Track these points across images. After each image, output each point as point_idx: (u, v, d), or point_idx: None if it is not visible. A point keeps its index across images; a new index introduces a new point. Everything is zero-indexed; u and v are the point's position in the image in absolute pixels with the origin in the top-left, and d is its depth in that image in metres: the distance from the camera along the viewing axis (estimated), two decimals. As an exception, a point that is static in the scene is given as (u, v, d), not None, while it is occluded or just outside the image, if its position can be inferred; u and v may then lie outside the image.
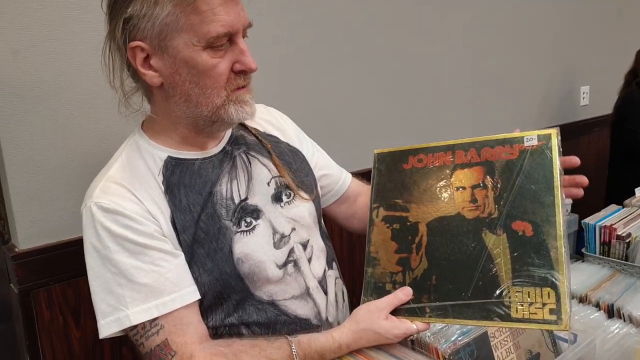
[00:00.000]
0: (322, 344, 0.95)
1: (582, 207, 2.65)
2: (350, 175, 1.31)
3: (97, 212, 0.91)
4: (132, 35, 0.90)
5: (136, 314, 0.90)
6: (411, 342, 0.97)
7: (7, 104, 1.21)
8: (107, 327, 0.91)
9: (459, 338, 0.93)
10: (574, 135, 3.04)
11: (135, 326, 0.91)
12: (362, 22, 1.90)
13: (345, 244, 1.96)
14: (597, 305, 1.29)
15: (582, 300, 1.30)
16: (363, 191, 1.29)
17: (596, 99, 3.16)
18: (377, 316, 0.95)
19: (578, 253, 1.66)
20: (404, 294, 0.96)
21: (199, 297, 0.95)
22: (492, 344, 0.96)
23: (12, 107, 1.22)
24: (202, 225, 0.96)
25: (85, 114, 1.31)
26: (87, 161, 1.33)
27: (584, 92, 3.11)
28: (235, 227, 0.99)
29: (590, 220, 1.56)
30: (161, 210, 0.95)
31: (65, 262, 1.31)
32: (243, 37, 0.94)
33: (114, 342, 1.41)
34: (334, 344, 0.95)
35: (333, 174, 1.26)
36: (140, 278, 0.90)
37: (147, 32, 0.89)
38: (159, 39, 0.89)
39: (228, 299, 0.98)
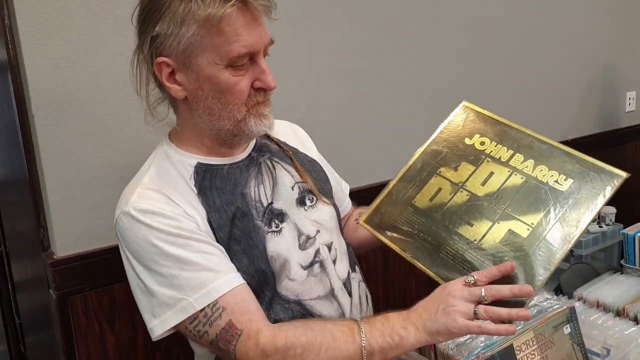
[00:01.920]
0: (386, 312, 0.94)
1: (628, 217, 2.57)
2: (349, 201, 1.36)
3: (138, 214, 0.94)
4: (158, 51, 0.94)
5: (198, 299, 0.92)
6: (434, 354, 0.96)
7: (47, 116, 1.27)
8: (175, 316, 0.92)
9: (483, 351, 0.92)
10: (618, 142, 2.94)
11: (196, 316, 0.92)
12: (381, 32, 1.89)
13: (379, 253, 1.95)
14: (635, 319, 1.25)
15: (619, 313, 1.26)
16: (355, 210, 1.35)
17: (643, 105, 3.05)
18: (452, 288, 0.90)
19: (620, 265, 1.61)
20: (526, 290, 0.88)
21: (244, 281, 0.97)
22: (518, 357, 0.94)
23: (51, 119, 1.27)
24: (237, 223, 1.00)
25: (121, 125, 1.36)
26: (123, 172, 1.37)
27: (630, 98, 3.01)
28: (266, 227, 1.02)
29: (629, 230, 1.51)
30: (197, 211, 0.98)
31: (102, 269, 1.35)
32: (265, 55, 0.98)
33: (148, 349, 1.44)
34: (397, 311, 0.93)
35: (340, 196, 1.31)
36: (194, 266, 0.93)
37: (172, 50, 0.93)
38: (183, 56, 0.93)
39: (262, 296, 1.01)
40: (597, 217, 2.54)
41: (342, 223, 1.25)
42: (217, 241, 0.98)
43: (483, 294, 0.86)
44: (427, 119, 2.03)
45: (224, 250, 0.98)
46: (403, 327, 0.90)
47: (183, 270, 0.93)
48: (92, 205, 1.34)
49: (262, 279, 1.00)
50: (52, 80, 1.26)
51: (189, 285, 0.92)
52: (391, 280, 2.00)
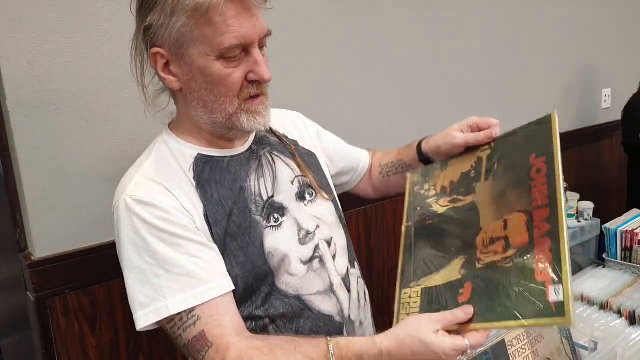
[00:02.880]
0: (362, 346, 0.89)
1: (604, 212, 2.61)
2: (365, 152, 1.37)
3: (133, 204, 0.92)
4: (152, 42, 0.93)
5: (174, 304, 0.90)
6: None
7: (22, 111, 1.23)
8: (146, 318, 0.91)
9: (476, 346, 0.91)
10: (595, 138, 2.99)
11: (172, 318, 0.91)
12: (379, 26, 1.89)
13: (363, 250, 1.95)
14: (619, 312, 1.26)
15: (603, 307, 1.27)
16: (374, 160, 1.37)
17: (618, 101, 3.10)
18: (427, 327, 0.87)
19: (599, 259, 1.62)
20: (465, 312, 0.88)
21: (233, 287, 0.96)
22: (509, 352, 0.93)
23: (27, 115, 1.23)
24: (234, 219, 0.98)
25: (101, 121, 1.32)
26: (103, 169, 1.34)
27: (605, 95, 3.06)
28: (265, 222, 1.01)
29: (611, 225, 1.53)
30: (194, 205, 0.96)
31: (82, 270, 1.32)
32: (262, 46, 0.95)
33: (131, 351, 1.41)
34: (374, 348, 0.88)
35: (353, 159, 1.33)
36: (177, 268, 0.91)
37: (165, 40, 0.92)
38: (176, 47, 0.92)
39: (258, 292, 0.99)
40: (575, 212, 2.57)
41: (366, 175, 1.33)
42: (213, 236, 0.96)
43: (467, 343, 0.86)
44: (415, 118, 2.05)
45: (217, 250, 0.96)
46: None
47: (166, 271, 0.91)
48: (71, 205, 1.31)
49: (259, 275, 0.98)
50: (28, 75, 1.22)
51: (169, 287, 0.90)
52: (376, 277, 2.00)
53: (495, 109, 2.39)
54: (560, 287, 0.82)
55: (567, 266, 0.83)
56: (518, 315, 0.83)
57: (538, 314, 0.81)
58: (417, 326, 0.87)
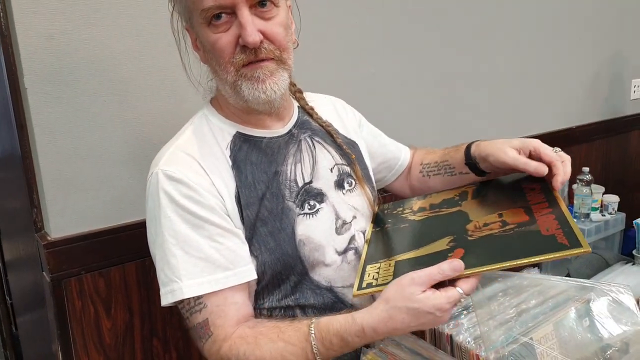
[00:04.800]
0: (341, 324, 0.83)
1: (629, 206, 2.54)
2: (406, 149, 1.33)
3: (163, 179, 0.92)
4: (183, 19, 0.98)
5: (190, 287, 0.90)
6: (450, 347, 0.91)
7: (40, 89, 1.20)
8: (165, 297, 0.92)
9: (503, 345, 0.88)
10: (623, 129, 2.91)
11: (182, 301, 0.91)
12: (403, 13, 1.83)
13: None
14: (650, 312, 1.21)
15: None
16: (415, 157, 1.32)
17: (648, 92, 3.02)
18: (410, 291, 0.78)
19: (627, 255, 1.57)
20: (452, 266, 0.79)
21: (254, 277, 0.94)
22: (537, 351, 0.90)
23: (45, 93, 1.20)
24: (266, 203, 0.96)
25: (119, 101, 1.29)
26: (121, 150, 1.31)
27: (635, 85, 2.97)
28: (298, 209, 0.99)
29: (642, 220, 1.47)
30: (226, 184, 0.95)
31: (98, 251, 1.30)
32: (264, 4, 0.90)
33: (145, 334, 1.40)
34: (354, 325, 0.82)
35: (392, 155, 1.29)
36: (197, 252, 0.90)
37: (184, 17, 0.97)
38: (190, 22, 0.95)
39: (286, 280, 0.97)
40: (600, 206, 2.51)
41: (404, 173, 1.29)
42: (243, 219, 0.94)
43: (460, 291, 0.79)
44: (441, 112, 2.01)
45: (242, 237, 0.94)
46: (362, 343, 0.85)
47: (185, 253, 0.90)
48: (88, 185, 1.28)
49: (288, 263, 0.96)
50: (46, 52, 1.19)
51: (186, 269, 0.90)
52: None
53: (521, 99, 2.34)
54: (571, 231, 0.81)
55: (576, 228, 0.82)
56: (529, 252, 0.79)
57: (551, 248, 0.78)
58: (400, 293, 0.79)
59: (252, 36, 0.88)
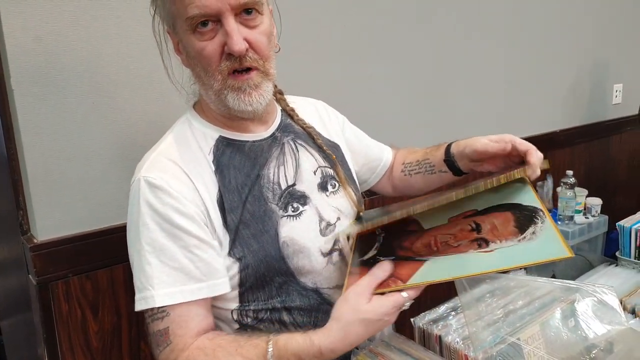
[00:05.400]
0: (300, 345, 0.86)
1: (612, 209, 2.58)
2: (388, 149, 1.34)
3: (144, 186, 0.92)
4: (165, 22, 0.97)
5: (161, 296, 0.90)
6: (439, 347, 0.92)
7: (27, 90, 1.19)
8: (139, 302, 0.92)
9: (491, 346, 0.89)
10: (605, 134, 2.95)
11: (150, 308, 0.92)
12: (391, 16, 1.85)
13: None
14: (633, 312, 1.23)
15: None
16: (397, 157, 1.33)
17: (630, 97, 3.06)
18: (357, 302, 0.84)
19: (610, 256, 1.60)
20: (383, 270, 0.87)
21: (226, 290, 0.95)
22: (524, 351, 0.91)
23: (32, 94, 1.20)
24: (248, 206, 0.97)
25: (108, 103, 1.29)
26: (109, 151, 1.31)
27: (616, 90, 3.01)
28: (281, 211, 0.99)
29: (625, 222, 1.50)
30: (208, 190, 0.95)
31: (85, 254, 1.29)
32: (250, 11, 0.91)
33: (132, 337, 1.39)
34: (312, 347, 0.85)
35: (375, 156, 1.30)
36: (172, 262, 0.91)
37: (166, 20, 0.96)
38: (172, 26, 0.95)
39: (271, 282, 0.98)
40: (583, 208, 2.54)
41: (386, 174, 1.30)
42: (226, 223, 0.94)
43: (405, 295, 0.84)
44: (429, 112, 2.03)
45: (218, 248, 0.94)
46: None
47: (160, 262, 0.90)
48: (75, 187, 1.27)
49: (272, 264, 0.96)
50: (34, 53, 1.19)
51: (160, 278, 0.90)
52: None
53: (506, 103, 2.36)
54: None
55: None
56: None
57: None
58: (348, 309, 0.85)
59: (239, 45, 0.89)
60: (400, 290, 0.84)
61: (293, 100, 1.17)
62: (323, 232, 1.02)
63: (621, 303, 1.26)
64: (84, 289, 1.30)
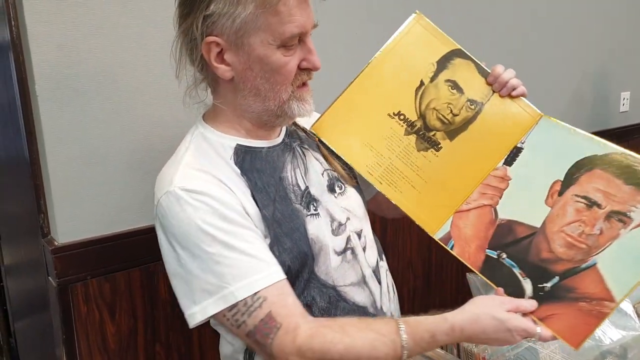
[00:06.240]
0: (432, 322, 0.91)
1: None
2: None
3: (183, 194, 0.92)
4: (209, 31, 0.93)
5: (239, 290, 0.90)
6: (457, 351, 0.94)
7: (50, 97, 1.22)
8: (214, 305, 0.91)
9: (508, 349, 0.90)
10: (612, 142, 2.96)
11: (235, 305, 0.90)
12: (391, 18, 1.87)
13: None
14: (646, 319, 1.24)
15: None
16: None
17: (637, 105, 3.07)
18: (498, 305, 0.92)
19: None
20: (530, 304, 0.94)
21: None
22: (540, 356, 0.93)
23: (55, 100, 1.22)
24: (278, 205, 0.99)
25: (127, 110, 1.31)
26: (128, 157, 1.33)
27: (624, 98, 3.03)
28: (305, 210, 1.02)
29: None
30: (242, 191, 0.97)
31: (104, 257, 1.31)
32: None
33: (148, 339, 1.41)
34: (446, 323, 0.90)
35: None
36: (237, 254, 0.91)
37: (225, 29, 0.92)
38: (236, 36, 0.93)
39: (300, 279, 1.00)
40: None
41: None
42: (263, 219, 0.96)
43: (539, 330, 0.91)
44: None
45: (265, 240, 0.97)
46: (448, 342, 0.92)
47: (227, 258, 0.91)
48: (95, 191, 1.30)
49: (304, 261, 0.99)
50: (57, 60, 1.21)
51: (232, 273, 0.90)
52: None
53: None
54: None
55: None
56: None
57: None
58: (489, 303, 0.92)
59: (319, 62, 0.99)
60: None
61: None
62: (335, 232, 1.05)
63: (635, 309, 1.27)
64: (102, 291, 1.32)
